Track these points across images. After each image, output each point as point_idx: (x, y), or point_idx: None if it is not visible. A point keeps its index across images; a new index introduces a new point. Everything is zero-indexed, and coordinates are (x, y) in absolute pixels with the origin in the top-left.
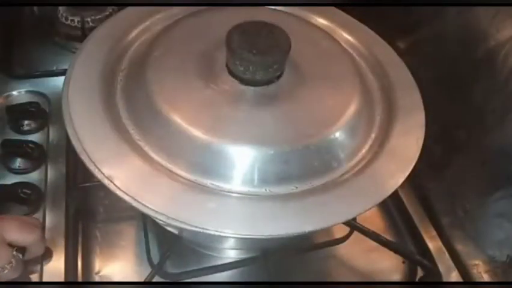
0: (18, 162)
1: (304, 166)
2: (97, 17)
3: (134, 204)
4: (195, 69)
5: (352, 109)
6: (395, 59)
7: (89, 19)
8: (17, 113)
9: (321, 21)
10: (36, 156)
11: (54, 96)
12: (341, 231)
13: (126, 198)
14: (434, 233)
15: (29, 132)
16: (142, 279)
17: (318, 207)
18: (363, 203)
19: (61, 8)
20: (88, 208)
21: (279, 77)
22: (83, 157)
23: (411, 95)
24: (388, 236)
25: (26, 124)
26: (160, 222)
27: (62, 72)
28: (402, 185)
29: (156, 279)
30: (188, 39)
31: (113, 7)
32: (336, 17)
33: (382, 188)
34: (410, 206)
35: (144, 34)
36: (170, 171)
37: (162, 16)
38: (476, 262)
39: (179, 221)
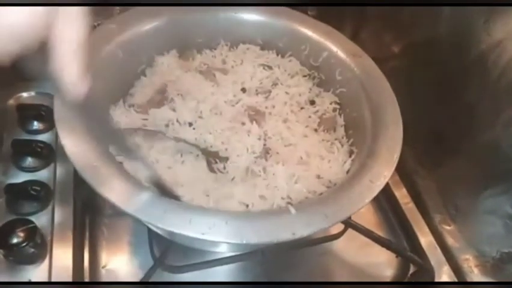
0: (28, 161)
1: None
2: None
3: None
4: None
5: None
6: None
7: (95, 24)
8: (27, 113)
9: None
10: (46, 155)
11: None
12: (336, 228)
13: None
14: (426, 229)
15: (38, 132)
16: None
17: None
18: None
19: None
20: (94, 204)
21: None
22: None
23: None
24: (382, 233)
25: (35, 124)
26: (152, 227)
27: None
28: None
29: (159, 272)
30: None
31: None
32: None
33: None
34: (404, 203)
35: None
36: None
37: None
38: (467, 257)
39: None
